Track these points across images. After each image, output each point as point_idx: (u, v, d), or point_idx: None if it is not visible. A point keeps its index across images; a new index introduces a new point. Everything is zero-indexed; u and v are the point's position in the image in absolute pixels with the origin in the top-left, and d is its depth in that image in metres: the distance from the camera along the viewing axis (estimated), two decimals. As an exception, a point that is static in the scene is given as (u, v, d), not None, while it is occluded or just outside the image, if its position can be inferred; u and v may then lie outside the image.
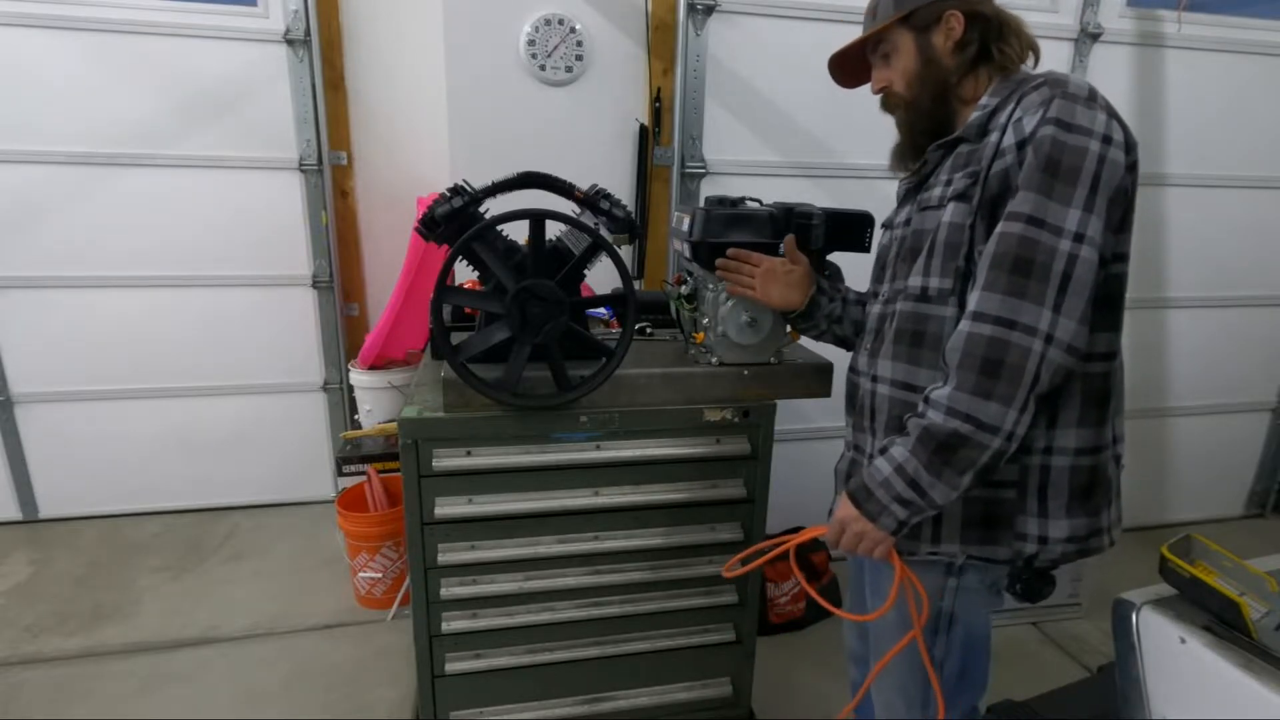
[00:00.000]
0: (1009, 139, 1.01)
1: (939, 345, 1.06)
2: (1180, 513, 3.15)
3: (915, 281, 1.10)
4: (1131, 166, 1.00)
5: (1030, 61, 1.13)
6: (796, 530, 2.76)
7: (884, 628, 1.20)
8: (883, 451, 1.05)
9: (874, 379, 1.17)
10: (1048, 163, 0.95)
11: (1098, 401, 1.06)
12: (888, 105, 1.21)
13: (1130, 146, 0.99)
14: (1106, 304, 1.03)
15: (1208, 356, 2.97)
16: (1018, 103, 1.02)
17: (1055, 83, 1.01)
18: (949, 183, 1.08)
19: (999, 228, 0.98)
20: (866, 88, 1.24)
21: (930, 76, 1.13)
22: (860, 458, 1.22)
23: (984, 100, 1.10)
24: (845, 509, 1.08)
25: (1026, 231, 0.95)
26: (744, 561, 1.30)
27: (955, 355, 0.98)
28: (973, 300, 0.98)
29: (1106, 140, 0.96)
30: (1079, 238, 0.95)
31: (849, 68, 1.25)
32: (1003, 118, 1.04)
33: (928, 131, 1.16)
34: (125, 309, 2.67)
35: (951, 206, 1.06)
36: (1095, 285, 0.97)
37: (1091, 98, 0.99)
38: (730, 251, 1.38)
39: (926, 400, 1.01)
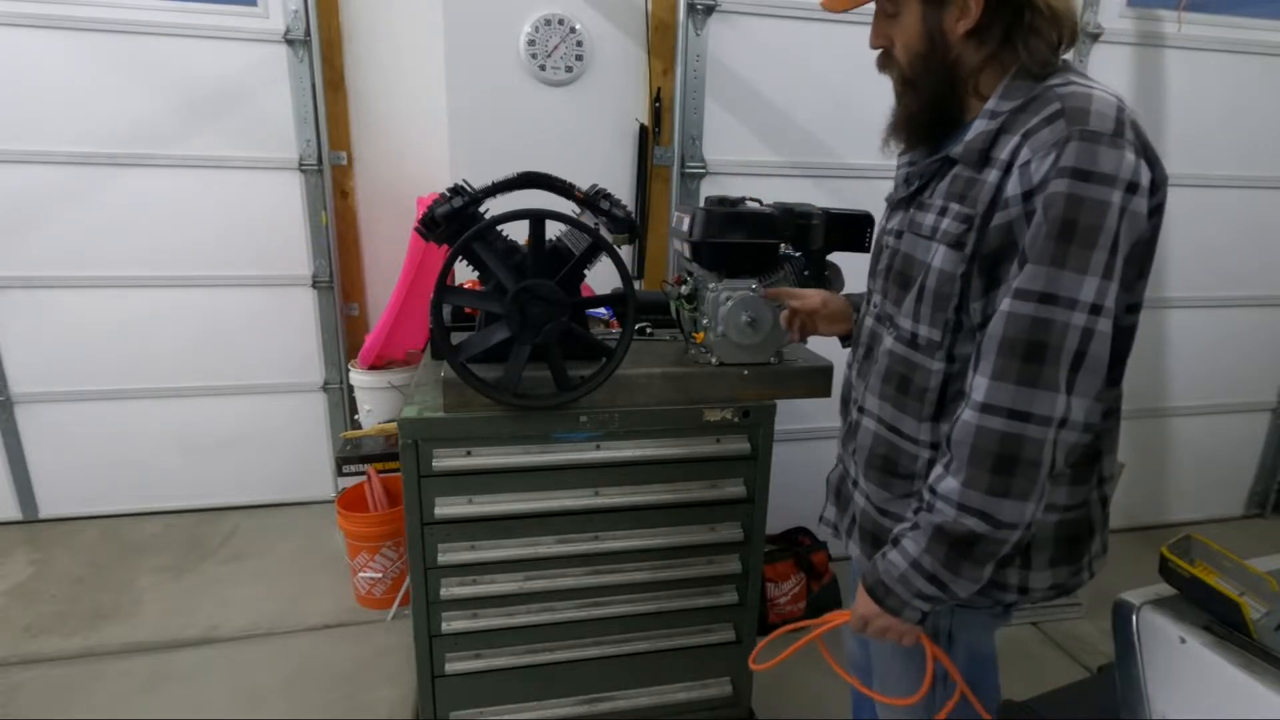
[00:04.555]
0: (1013, 187, 0.86)
1: (924, 396, 0.99)
2: (1180, 513, 3.15)
3: (906, 324, 1.01)
4: (1156, 209, 0.88)
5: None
6: (797, 529, 2.73)
7: (885, 652, 1.17)
8: (894, 543, 0.98)
9: (861, 409, 1.11)
10: (1062, 227, 0.82)
11: (1090, 459, 1.00)
12: (884, 67, 1.04)
13: (1157, 186, 0.86)
14: (1113, 360, 0.91)
15: (1208, 356, 2.97)
16: (1023, 136, 0.86)
17: (1073, 114, 0.84)
18: (942, 212, 0.95)
19: (1007, 305, 0.86)
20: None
21: (935, 62, 0.95)
22: (846, 476, 1.19)
23: (991, 104, 0.93)
24: (866, 605, 1.00)
25: (1039, 312, 0.84)
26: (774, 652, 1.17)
27: (964, 450, 0.88)
28: (980, 388, 0.87)
29: (1131, 189, 0.82)
30: (1095, 309, 0.83)
31: None
32: (1005, 151, 0.88)
33: (925, 120, 1.01)
34: (125, 309, 2.67)
35: (942, 252, 0.93)
36: (1109, 354, 0.87)
37: (1117, 133, 0.82)
38: (772, 293, 1.40)
39: (934, 492, 0.92)
